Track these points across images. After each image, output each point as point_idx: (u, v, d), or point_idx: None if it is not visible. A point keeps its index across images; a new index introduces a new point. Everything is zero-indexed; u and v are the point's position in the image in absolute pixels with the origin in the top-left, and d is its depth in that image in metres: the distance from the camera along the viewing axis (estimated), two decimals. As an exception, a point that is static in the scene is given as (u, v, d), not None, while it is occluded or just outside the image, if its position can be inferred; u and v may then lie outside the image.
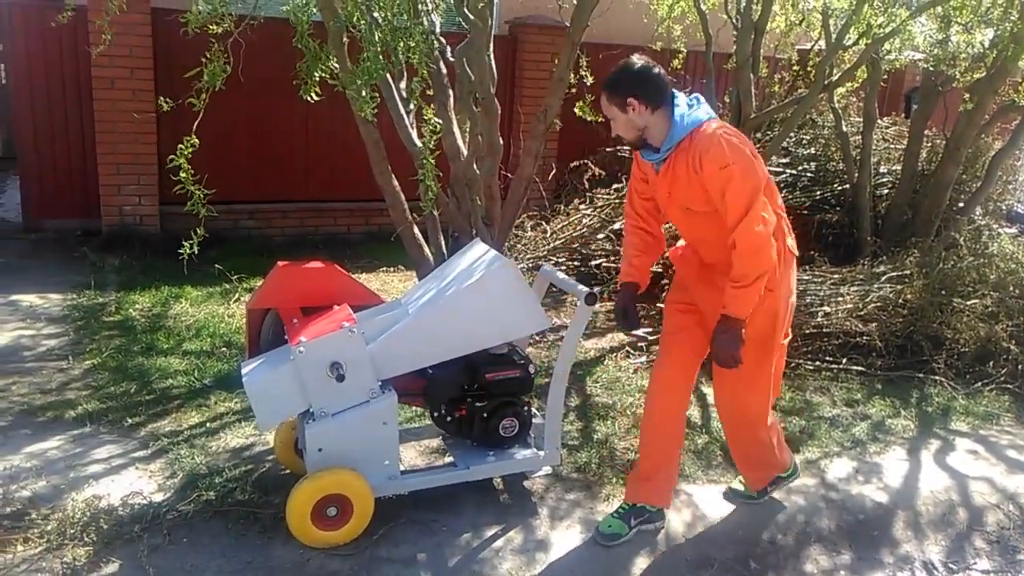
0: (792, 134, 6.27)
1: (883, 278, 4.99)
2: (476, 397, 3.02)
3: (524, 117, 7.23)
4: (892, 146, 6.84)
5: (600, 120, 4.88)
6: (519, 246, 6.06)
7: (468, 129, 4.26)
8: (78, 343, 4.44)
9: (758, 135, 6.14)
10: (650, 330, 5.04)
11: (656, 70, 2.63)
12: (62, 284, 5.41)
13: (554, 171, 7.15)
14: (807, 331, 4.76)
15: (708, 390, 4.31)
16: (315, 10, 3.84)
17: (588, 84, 4.84)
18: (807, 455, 3.73)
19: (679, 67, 6.58)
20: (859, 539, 3.18)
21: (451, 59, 4.18)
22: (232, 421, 3.63)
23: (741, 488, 3.35)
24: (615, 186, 6.53)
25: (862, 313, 4.78)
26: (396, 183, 4.34)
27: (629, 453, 3.58)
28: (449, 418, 3.03)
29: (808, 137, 6.65)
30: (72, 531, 2.74)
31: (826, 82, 5.06)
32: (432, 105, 4.33)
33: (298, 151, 6.96)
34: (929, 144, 6.39)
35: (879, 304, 4.82)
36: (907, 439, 3.98)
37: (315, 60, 3.83)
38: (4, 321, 4.73)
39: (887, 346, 4.71)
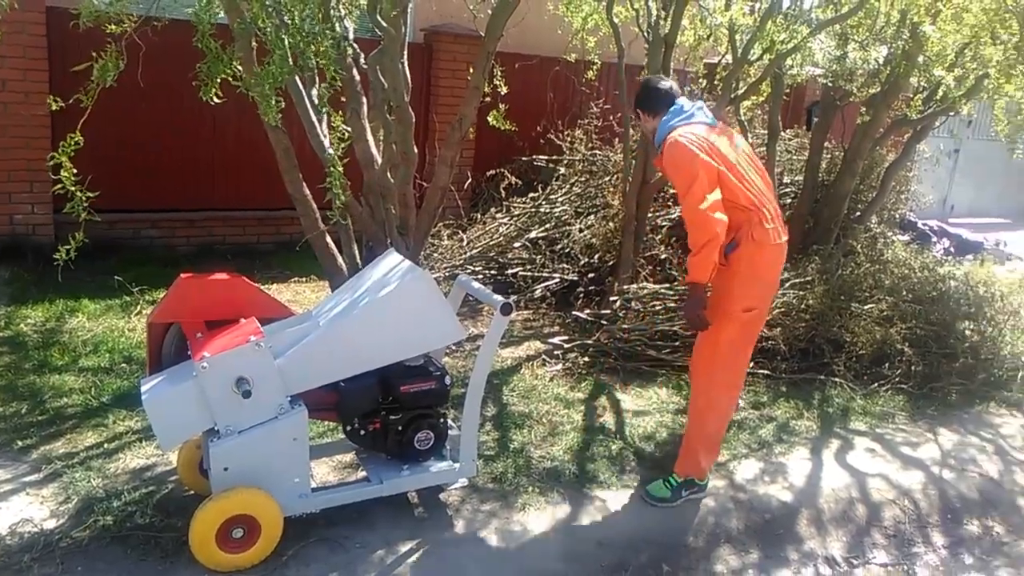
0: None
1: (786, 284, 5.18)
2: (390, 410, 2.97)
3: (440, 125, 7.20)
4: (795, 157, 7.13)
5: (514, 129, 4.94)
6: (436, 255, 6.02)
7: (382, 137, 4.21)
8: (-38, 361, 4.16)
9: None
10: (566, 338, 5.08)
11: (658, 86, 3.34)
12: (-55, 297, 5.07)
13: (470, 180, 7.14)
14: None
15: (623, 396, 4.38)
16: (220, 12, 3.72)
17: (503, 93, 4.86)
18: (717, 458, 3.82)
19: (593, 78, 6.68)
20: (766, 538, 3.28)
21: (364, 66, 4.12)
22: (132, 441, 3.46)
23: (654, 492, 3.41)
24: (531, 195, 6.59)
25: (767, 318, 4.94)
26: (307, 191, 4.25)
27: (545, 462, 3.59)
28: (363, 432, 2.97)
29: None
30: (-47, 564, 2.56)
31: (732, 95, 5.22)
32: (342, 112, 4.26)
33: (205, 158, 6.73)
34: (829, 156, 6.68)
35: (783, 309, 4.99)
36: (810, 439, 4.13)
37: (217, 62, 3.71)
38: None
39: (791, 350, 4.89)
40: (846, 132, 6.56)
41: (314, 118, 4.08)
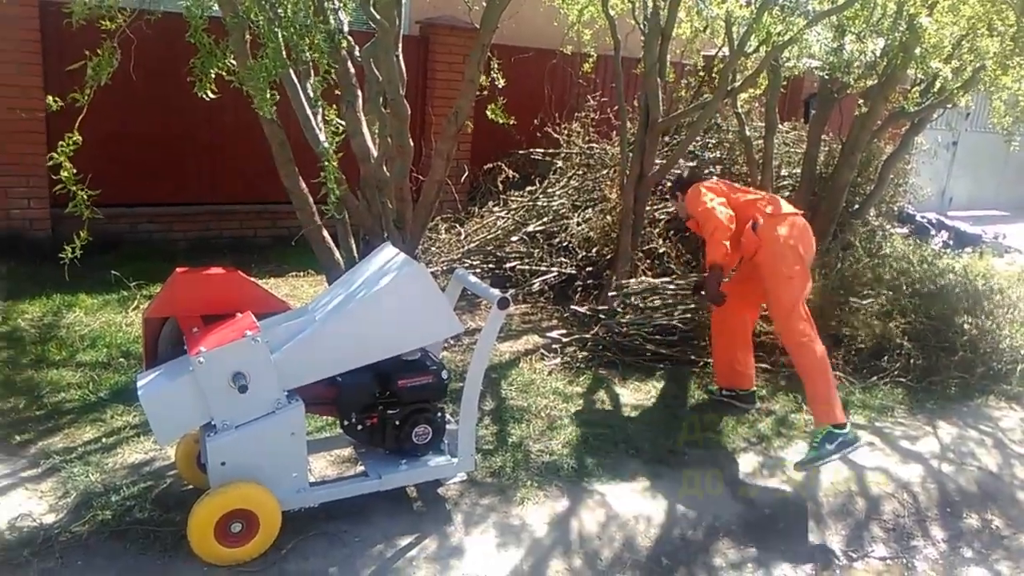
0: (698, 138, 6.43)
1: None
2: (388, 404, 2.97)
3: (436, 119, 7.17)
4: (792, 150, 7.11)
5: (511, 123, 4.92)
6: (433, 249, 6.00)
7: (378, 131, 4.19)
8: (-41, 356, 4.15)
9: (665, 139, 6.28)
10: (564, 332, 5.08)
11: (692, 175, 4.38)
12: (-59, 293, 5.05)
13: (467, 173, 7.12)
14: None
15: (622, 390, 4.38)
16: (213, 5, 3.70)
17: (500, 86, 4.84)
18: (715, 452, 3.83)
19: (590, 71, 6.65)
20: (765, 532, 3.28)
21: (359, 59, 4.11)
22: (130, 436, 3.45)
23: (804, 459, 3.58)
24: (528, 188, 6.57)
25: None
26: (303, 185, 4.24)
27: (544, 456, 3.59)
28: (360, 427, 2.96)
29: (713, 141, 6.83)
30: (-50, 560, 2.56)
31: (729, 88, 5.20)
32: (335, 105, 4.24)
33: (202, 152, 6.70)
34: (827, 148, 6.66)
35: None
36: (809, 433, 4.12)
37: (210, 56, 3.69)
38: None
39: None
40: (843, 124, 6.55)
41: (309, 112, 4.06)
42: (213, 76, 3.80)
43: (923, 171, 9.09)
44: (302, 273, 6.08)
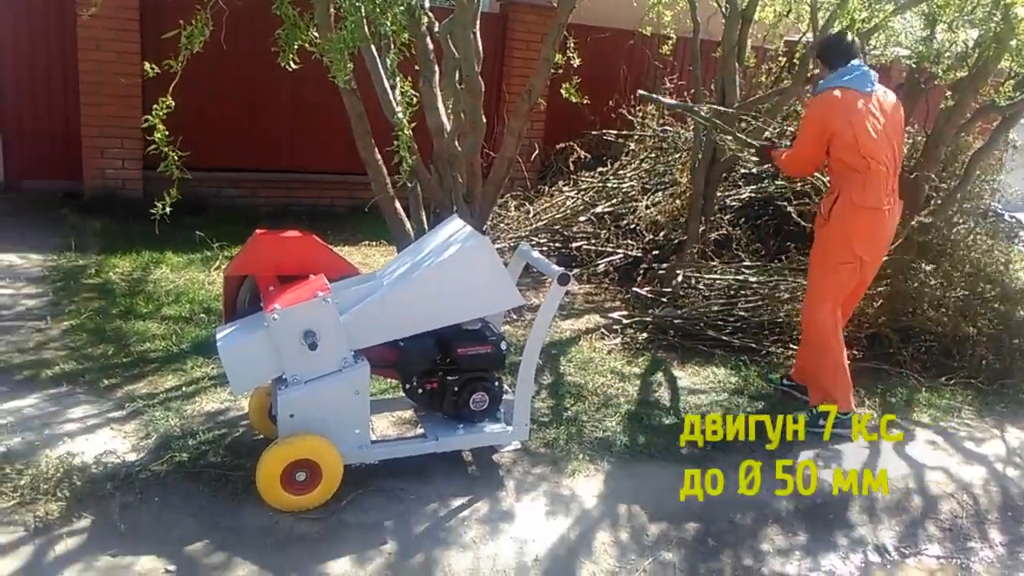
0: (777, 125, 6.31)
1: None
2: (448, 371, 3.08)
3: (511, 96, 7.23)
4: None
5: (585, 102, 4.95)
6: (502, 225, 6.09)
7: (452, 106, 4.28)
8: (57, 304, 4.46)
9: (742, 124, 6.19)
10: (626, 313, 5.11)
11: (839, 43, 3.74)
12: (42, 245, 5.40)
13: (538, 152, 7.17)
14: (778, 319, 4.84)
15: (679, 373, 4.40)
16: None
17: (576, 66, 4.86)
18: (768, 440, 3.81)
19: (668, 53, 6.59)
20: (815, 521, 3.28)
21: (438, 35, 4.19)
22: (208, 386, 3.67)
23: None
24: (600, 169, 6.58)
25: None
26: (379, 157, 4.36)
27: (597, 431, 3.65)
28: (420, 390, 3.08)
29: (792, 129, 6.70)
30: (45, 487, 2.79)
31: (809, 74, 5.10)
32: (412, 79, 4.34)
33: (285, 121, 6.94)
34: (911, 141, 6.45)
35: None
36: (869, 428, 4.07)
37: (294, 28, 3.83)
38: (-18, 280, 4.73)
39: (859, 334, 4.79)
40: (929, 117, 6.32)
41: (387, 84, 4.18)
42: (296, 48, 3.94)
43: (1015, 169, 8.69)
44: (375, 243, 6.26)
